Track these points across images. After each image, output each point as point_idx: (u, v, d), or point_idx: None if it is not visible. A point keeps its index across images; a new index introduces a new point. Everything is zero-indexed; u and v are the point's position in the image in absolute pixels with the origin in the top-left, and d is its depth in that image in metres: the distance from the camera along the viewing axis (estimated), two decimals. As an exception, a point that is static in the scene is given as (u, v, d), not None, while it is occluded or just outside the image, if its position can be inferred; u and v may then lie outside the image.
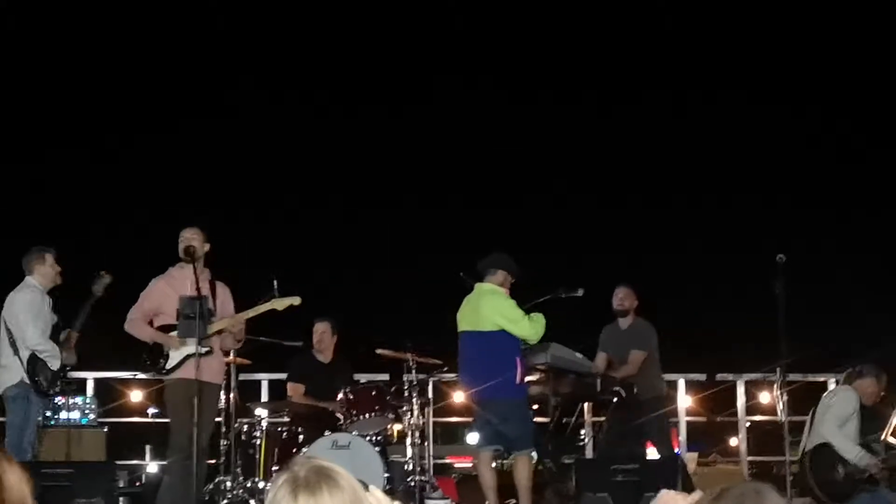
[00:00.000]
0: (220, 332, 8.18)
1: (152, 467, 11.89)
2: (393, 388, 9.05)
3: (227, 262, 8.74)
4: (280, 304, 8.23)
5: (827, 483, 8.51)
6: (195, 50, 16.52)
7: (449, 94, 17.61)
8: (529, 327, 8.58)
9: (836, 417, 8.63)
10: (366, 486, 2.95)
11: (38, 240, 8.88)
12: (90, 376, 11.31)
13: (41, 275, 8.56)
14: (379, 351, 9.36)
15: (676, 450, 11.73)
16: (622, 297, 9.91)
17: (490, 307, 8.63)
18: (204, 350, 7.85)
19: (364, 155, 17.88)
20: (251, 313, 8.32)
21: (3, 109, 15.72)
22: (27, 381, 8.33)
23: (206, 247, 8.30)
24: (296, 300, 8.24)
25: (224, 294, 8.42)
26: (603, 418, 10.29)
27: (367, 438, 8.40)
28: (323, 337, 9.65)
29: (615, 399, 9.47)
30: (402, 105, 17.68)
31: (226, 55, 16.70)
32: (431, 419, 10.70)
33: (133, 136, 16.97)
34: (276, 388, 11.04)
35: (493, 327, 8.58)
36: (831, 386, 12.09)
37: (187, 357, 8.07)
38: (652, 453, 9.88)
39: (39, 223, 15.88)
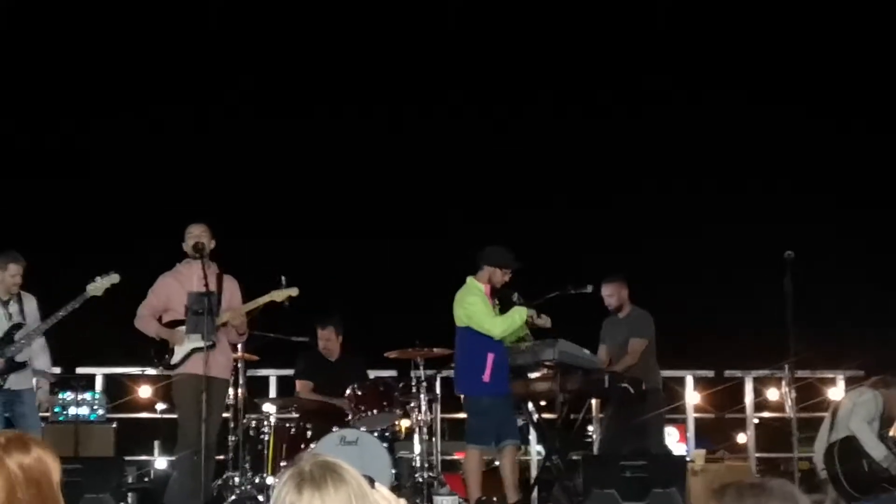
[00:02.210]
0: (223, 325, 8.21)
1: (161, 463, 11.90)
2: (401, 384, 9.06)
3: (236, 261, 8.75)
4: (279, 295, 8.26)
5: (853, 474, 8.68)
6: (191, 49, 16.51)
7: (455, 88, 17.57)
8: (488, 323, 8.51)
9: (865, 415, 8.78)
10: (372, 483, 2.95)
11: (42, 243, 8.87)
12: (99, 372, 11.34)
13: None
14: (387, 354, 9.38)
15: (685, 446, 11.74)
16: (609, 294, 9.87)
17: (459, 303, 8.65)
18: (207, 344, 7.88)
19: (364, 152, 17.86)
20: (251, 306, 8.35)
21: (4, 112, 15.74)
22: None
23: (213, 242, 8.34)
24: (293, 291, 8.26)
25: (232, 287, 8.44)
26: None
27: (375, 434, 8.40)
28: (328, 343, 9.66)
29: (623, 394, 9.45)
30: (406, 99, 17.65)
31: (223, 57, 16.68)
32: (439, 415, 10.71)
33: (134, 135, 16.97)
34: (284, 384, 11.05)
35: (462, 323, 8.61)
36: (839, 383, 12.14)
37: (192, 352, 8.10)
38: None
39: (40, 225, 15.91)
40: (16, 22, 15.26)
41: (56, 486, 3.12)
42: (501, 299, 8.73)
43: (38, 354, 8.57)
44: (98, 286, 8.32)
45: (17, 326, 8.46)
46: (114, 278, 8.36)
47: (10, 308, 8.49)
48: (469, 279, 8.70)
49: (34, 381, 8.57)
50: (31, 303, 8.61)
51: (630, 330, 9.71)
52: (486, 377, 8.44)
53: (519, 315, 8.56)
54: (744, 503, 2.84)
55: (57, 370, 10.53)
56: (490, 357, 8.46)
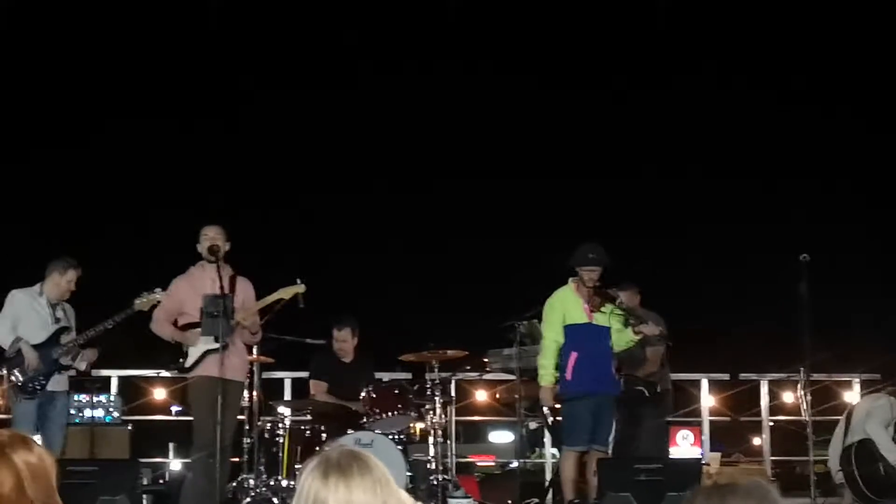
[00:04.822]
0: (237, 325, 8.23)
1: (176, 465, 11.92)
2: (415, 387, 9.06)
3: (249, 260, 8.76)
4: (286, 292, 8.27)
5: (871, 477, 8.75)
6: (195, 47, 16.46)
7: (452, 77, 17.41)
8: (543, 332, 8.80)
9: (882, 419, 8.84)
10: None
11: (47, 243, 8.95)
12: (114, 374, 11.36)
13: (53, 283, 8.63)
14: (402, 357, 9.40)
15: (699, 449, 11.71)
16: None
17: None
18: (217, 345, 7.91)
19: (369, 152, 17.77)
20: (260, 304, 8.37)
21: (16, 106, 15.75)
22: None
23: (227, 244, 8.35)
24: (301, 287, 8.25)
25: (245, 288, 8.46)
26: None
27: (390, 437, 8.41)
28: (343, 345, 9.65)
29: (638, 397, 9.45)
30: (417, 94, 17.53)
31: (226, 52, 16.62)
32: (454, 418, 10.70)
33: (141, 134, 16.95)
34: (299, 387, 11.07)
35: None
36: (855, 386, 12.11)
37: (205, 353, 8.13)
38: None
39: (52, 224, 15.95)
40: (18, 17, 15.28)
41: (55, 485, 3.17)
42: (605, 299, 8.75)
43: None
44: (144, 302, 8.42)
45: (64, 330, 8.56)
46: (160, 296, 8.42)
47: (58, 312, 8.60)
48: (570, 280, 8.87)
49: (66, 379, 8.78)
50: (72, 314, 8.73)
51: (646, 338, 9.67)
52: (568, 375, 8.59)
53: (544, 367, 8.65)
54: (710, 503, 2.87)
55: (72, 372, 10.59)
56: (573, 356, 8.60)
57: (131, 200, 16.96)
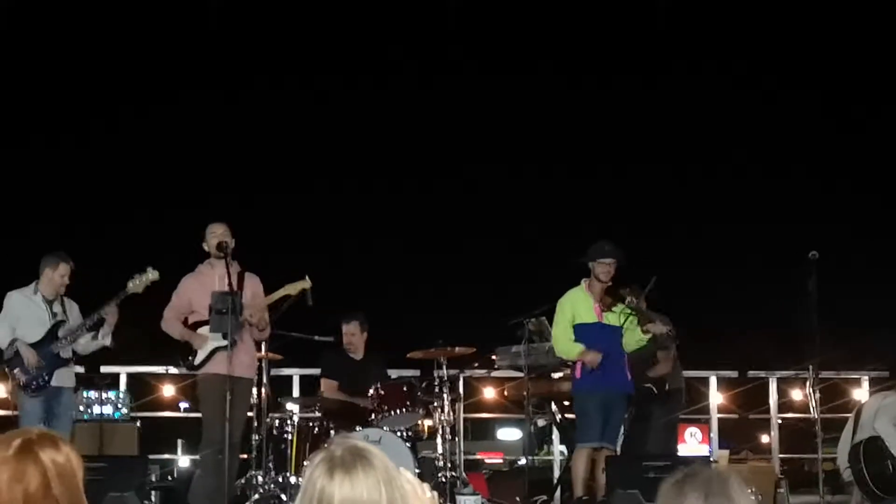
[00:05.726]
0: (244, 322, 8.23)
1: (184, 461, 11.95)
2: (423, 384, 9.05)
3: (255, 259, 8.76)
4: (293, 288, 8.26)
5: (880, 474, 8.74)
6: (195, 47, 16.45)
7: (452, 78, 17.38)
8: (553, 334, 8.90)
9: (891, 416, 8.84)
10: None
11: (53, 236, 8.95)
12: (123, 371, 11.38)
13: (46, 280, 8.63)
14: (410, 355, 9.39)
15: (708, 446, 11.71)
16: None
17: None
18: (226, 342, 7.91)
19: (379, 151, 17.76)
20: (268, 300, 8.36)
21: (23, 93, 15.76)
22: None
23: (233, 241, 8.35)
24: (306, 283, 8.25)
25: (253, 284, 8.45)
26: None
27: (398, 434, 8.41)
28: (352, 339, 9.63)
29: (646, 395, 9.45)
30: (427, 81, 17.50)
31: (226, 52, 16.61)
32: (462, 415, 10.70)
33: (141, 134, 16.97)
34: (308, 384, 11.07)
35: None
36: (864, 383, 12.10)
37: (214, 351, 8.13)
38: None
39: (55, 217, 16.00)
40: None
41: (82, 486, 3.16)
42: (616, 299, 8.75)
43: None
44: (138, 284, 8.38)
45: (60, 324, 8.57)
46: (153, 275, 8.39)
47: (55, 308, 8.61)
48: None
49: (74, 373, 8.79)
50: (73, 308, 8.73)
51: (656, 340, 9.63)
52: (578, 373, 8.68)
53: (566, 351, 8.74)
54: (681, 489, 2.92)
55: (80, 369, 10.62)
56: None
57: (131, 200, 16.99)
